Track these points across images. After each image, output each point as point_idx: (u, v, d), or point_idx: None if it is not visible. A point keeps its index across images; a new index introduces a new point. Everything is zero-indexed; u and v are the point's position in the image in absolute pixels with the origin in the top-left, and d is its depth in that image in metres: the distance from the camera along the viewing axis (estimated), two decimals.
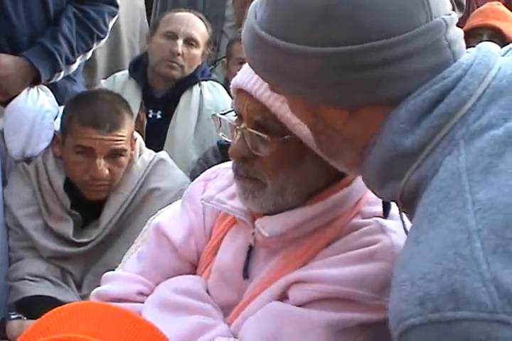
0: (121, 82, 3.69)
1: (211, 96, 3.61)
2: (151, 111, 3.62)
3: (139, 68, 3.68)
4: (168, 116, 3.58)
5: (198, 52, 3.62)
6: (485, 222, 1.07)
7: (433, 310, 1.05)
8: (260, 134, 1.50)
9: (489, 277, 1.04)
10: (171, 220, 1.80)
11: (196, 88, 3.61)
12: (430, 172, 1.18)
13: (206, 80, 3.67)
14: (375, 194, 1.37)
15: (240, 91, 1.54)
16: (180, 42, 3.57)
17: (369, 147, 1.25)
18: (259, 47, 1.25)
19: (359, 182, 1.57)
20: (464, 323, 1.04)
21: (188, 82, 3.62)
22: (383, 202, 1.51)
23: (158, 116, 3.62)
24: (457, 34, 1.25)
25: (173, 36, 3.59)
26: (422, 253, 1.11)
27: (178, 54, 3.55)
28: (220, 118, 1.63)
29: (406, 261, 1.14)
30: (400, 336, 1.11)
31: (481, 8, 4.55)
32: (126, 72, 3.75)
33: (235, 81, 1.56)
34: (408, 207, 1.25)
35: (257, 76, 1.48)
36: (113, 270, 1.95)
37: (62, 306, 1.29)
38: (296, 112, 1.35)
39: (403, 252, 1.19)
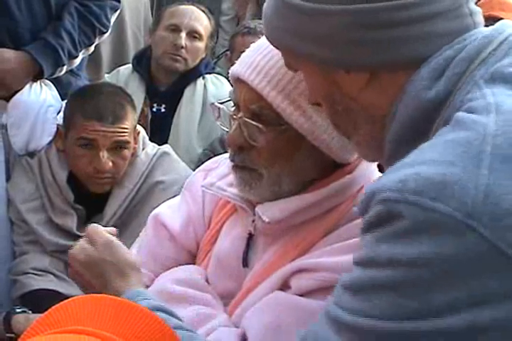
0: (124, 75, 3.69)
1: (215, 89, 3.61)
2: (155, 104, 3.62)
3: (143, 62, 3.69)
4: (172, 110, 3.58)
5: (201, 44, 3.63)
6: (504, 130, 1.07)
7: (413, 192, 1.04)
8: (256, 124, 1.52)
9: (484, 182, 1.03)
10: (169, 210, 1.81)
11: (200, 81, 3.62)
12: (452, 113, 1.16)
13: (210, 73, 3.67)
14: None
15: (238, 80, 1.56)
16: (183, 35, 3.58)
17: (391, 114, 1.24)
18: (283, 14, 1.26)
19: (361, 170, 1.59)
20: (436, 214, 1.02)
21: (191, 75, 3.62)
22: None
23: (163, 110, 3.62)
24: (477, 8, 1.26)
25: (176, 29, 3.60)
26: (433, 145, 1.10)
27: (182, 47, 3.55)
28: (218, 107, 1.64)
29: (415, 150, 1.13)
30: (366, 205, 1.10)
31: None
32: (129, 65, 3.75)
33: (232, 71, 1.57)
34: None
35: (253, 66, 1.51)
36: None
37: (68, 300, 1.29)
38: (312, 84, 1.34)
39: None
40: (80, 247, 1.56)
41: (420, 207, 1.03)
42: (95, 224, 1.60)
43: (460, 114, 1.13)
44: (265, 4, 1.32)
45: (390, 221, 1.07)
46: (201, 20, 3.65)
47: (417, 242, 1.04)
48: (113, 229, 1.60)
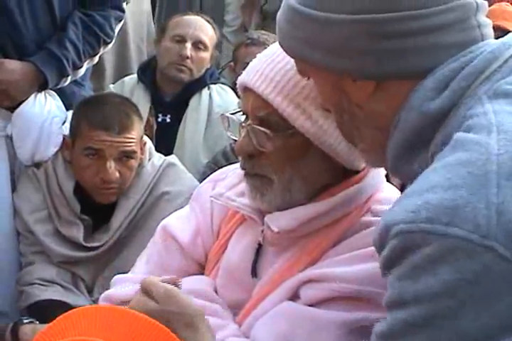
0: (130, 86, 3.69)
1: (220, 99, 3.61)
2: (160, 114, 3.62)
3: (148, 72, 3.69)
4: (177, 120, 3.59)
5: (206, 55, 3.63)
6: (507, 149, 1.07)
7: (426, 220, 1.04)
8: (264, 129, 1.53)
9: (495, 201, 1.02)
10: (178, 221, 1.81)
11: (205, 91, 3.62)
12: (454, 129, 1.16)
13: (215, 83, 3.67)
14: (399, 176, 1.36)
15: (245, 89, 1.58)
16: (188, 45, 3.58)
17: (395, 122, 1.24)
18: (295, 22, 1.28)
19: (370, 180, 1.59)
20: (452, 240, 1.02)
21: (197, 85, 3.62)
22: None
23: (168, 120, 3.62)
24: (487, 21, 1.27)
25: (181, 39, 3.59)
26: (436, 169, 1.10)
27: (187, 57, 3.55)
28: (228, 117, 1.65)
29: (419, 178, 1.13)
30: (381, 241, 1.10)
31: (490, 8, 4.50)
32: (134, 76, 3.76)
33: (239, 80, 1.59)
34: None
35: (259, 73, 1.53)
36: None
37: (73, 310, 1.29)
38: (323, 91, 1.35)
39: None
40: (137, 302, 1.43)
41: (435, 234, 1.03)
42: (151, 276, 1.51)
43: (460, 135, 1.13)
44: (279, 11, 1.34)
45: (407, 254, 1.06)
46: (206, 31, 3.65)
47: (437, 272, 1.03)
48: (173, 278, 1.51)
